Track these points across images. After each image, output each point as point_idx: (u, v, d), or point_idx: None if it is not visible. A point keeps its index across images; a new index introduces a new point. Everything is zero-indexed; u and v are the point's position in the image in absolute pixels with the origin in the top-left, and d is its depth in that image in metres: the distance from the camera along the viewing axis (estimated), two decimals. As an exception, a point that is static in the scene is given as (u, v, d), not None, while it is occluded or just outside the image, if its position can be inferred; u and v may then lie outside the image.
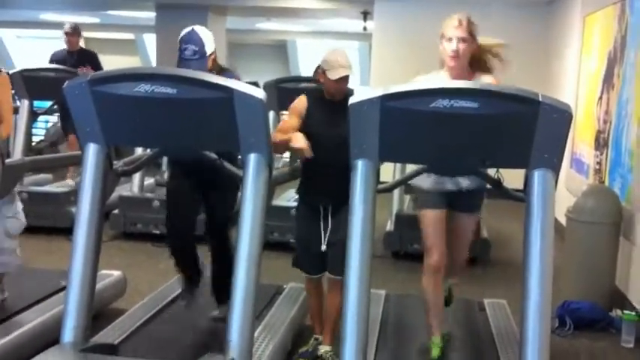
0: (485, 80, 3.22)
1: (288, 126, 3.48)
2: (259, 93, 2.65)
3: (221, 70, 3.54)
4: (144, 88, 2.63)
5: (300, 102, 3.54)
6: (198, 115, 2.70)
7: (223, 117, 2.65)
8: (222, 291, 3.69)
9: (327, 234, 3.49)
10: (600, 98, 5.99)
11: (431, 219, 3.38)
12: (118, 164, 3.00)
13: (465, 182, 3.32)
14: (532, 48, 9.14)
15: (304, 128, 3.44)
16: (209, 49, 3.47)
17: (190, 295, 3.89)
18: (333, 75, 3.42)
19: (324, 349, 3.62)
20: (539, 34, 9.10)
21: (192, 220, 3.72)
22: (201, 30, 3.48)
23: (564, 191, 6.41)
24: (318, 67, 3.61)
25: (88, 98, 2.71)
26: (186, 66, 3.37)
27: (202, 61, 3.43)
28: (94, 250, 2.80)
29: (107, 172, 2.84)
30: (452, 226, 3.42)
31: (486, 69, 3.32)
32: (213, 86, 2.65)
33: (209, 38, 3.48)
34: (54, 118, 8.92)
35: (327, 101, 3.51)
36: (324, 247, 3.49)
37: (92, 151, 2.80)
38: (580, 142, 6.63)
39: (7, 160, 3.13)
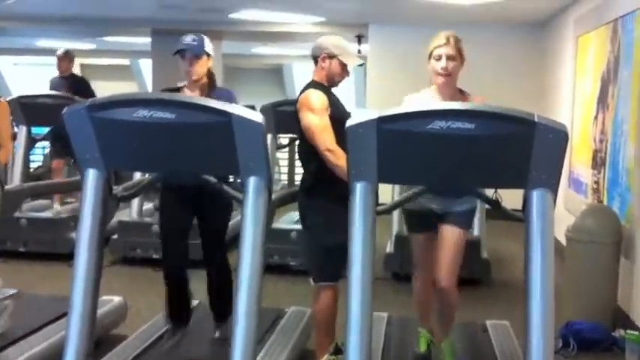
0: (475, 99, 3.31)
1: (331, 129, 3.36)
2: (258, 117, 2.66)
3: (214, 88, 3.61)
4: (142, 113, 2.64)
5: (322, 97, 3.43)
6: (197, 139, 2.71)
7: (222, 141, 2.66)
8: (222, 310, 3.76)
9: None
10: (596, 118, 6.02)
11: (418, 243, 3.52)
12: (117, 189, 3.00)
13: (451, 206, 3.35)
14: (527, 69, 9.21)
15: (331, 120, 3.39)
16: (208, 49, 3.59)
17: (177, 336, 3.73)
18: (352, 61, 3.48)
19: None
20: (533, 55, 9.17)
21: (186, 245, 3.70)
22: (202, 35, 3.64)
23: (563, 211, 6.42)
24: (317, 46, 3.51)
25: (87, 124, 2.71)
26: (186, 49, 3.51)
27: (201, 48, 3.54)
28: (94, 276, 2.79)
29: (107, 198, 2.85)
30: (438, 240, 3.38)
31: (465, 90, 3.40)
32: (212, 110, 2.65)
33: (209, 43, 3.61)
34: (51, 145, 8.94)
35: (328, 88, 3.53)
36: None
37: (92, 176, 2.80)
38: (577, 161, 6.66)
39: (7, 187, 3.13)
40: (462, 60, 3.32)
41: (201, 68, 3.55)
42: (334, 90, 3.62)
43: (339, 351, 3.48)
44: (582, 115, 6.59)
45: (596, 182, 5.85)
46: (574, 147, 6.74)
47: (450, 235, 3.34)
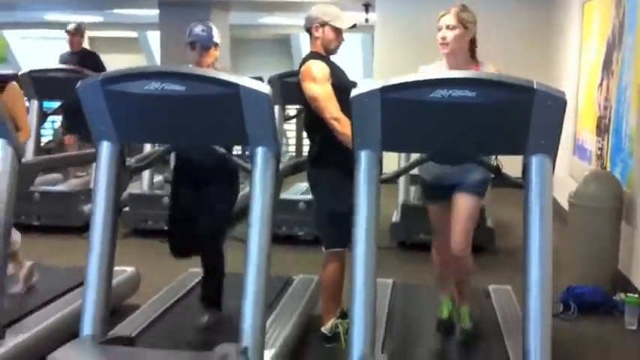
0: (488, 68, 3.34)
1: (334, 97, 3.41)
2: (265, 88, 2.74)
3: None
4: (154, 85, 2.73)
5: (323, 67, 3.49)
6: (206, 110, 2.80)
7: (231, 112, 2.75)
8: (211, 295, 3.79)
9: None
10: (600, 84, 6.05)
11: (434, 212, 3.60)
12: (130, 161, 3.09)
13: (464, 177, 3.41)
14: (533, 37, 9.20)
15: (333, 89, 3.45)
16: (216, 38, 3.66)
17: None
18: (343, 23, 3.52)
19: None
20: (540, 23, 9.16)
21: (195, 217, 3.69)
22: (210, 23, 3.72)
23: (567, 178, 6.48)
24: (308, 19, 3.58)
25: (100, 97, 2.81)
26: (197, 39, 3.58)
27: (210, 39, 3.61)
28: (110, 246, 2.89)
29: (121, 169, 2.94)
30: (452, 208, 3.44)
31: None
32: (220, 82, 2.74)
33: (217, 32, 3.68)
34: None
35: (328, 58, 3.59)
36: None
37: (106, 148, 2.89)
38: (582, 128, 6.70)
39: (23, 160, 3.24)
40: (465, 28, 3.31)
41: (209, 58, 3.63)
42: (337, 60, 3.69)
43: (345, 315, 3.60)
44: (588, 81, 6.62)
45: (600, 149, 5.91)
46: (579, 114, 6.79)
47: (463, 203, 3.40)
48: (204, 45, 3.60)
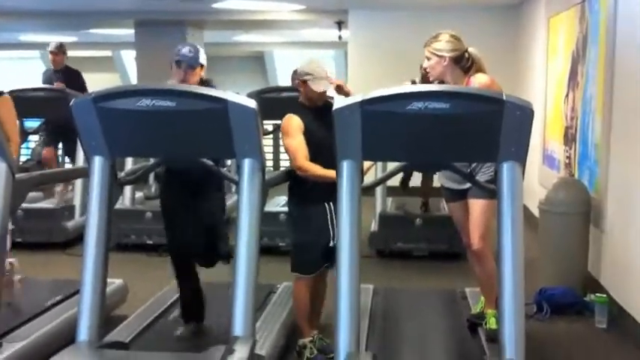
0: (480, 79, 3.63)
1: (304, 147, 3.62)
2: (251, 103, 2.90)
3: (203, 82, 3.84)
4: (145, 102, 2.87)
5: (295, 121, 3.68)
6: (195, 125, 2.94)
7: (219, 126, 2.90)
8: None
9: (334, 229, 3.56)
10: (567, 96, 6.30)
11: (451, 210, 4.11)
12: (120, 175, 3.22)
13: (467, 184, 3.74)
14: (501, 50, 9.45)
15: (306, 138, 3.63)
16: (202, 60, 3.83)
17: (189, 331, 3.86)
18: (318, 87, 3.68)
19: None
20: (507, 36, 9.43)
21: (190, 230, 3.88)
22: (197, 45, 3.92)
23: (538, 186, 6.70)
24: (295, 72, 3.77)
25: (92, 114, 2.94)
26: (183, 60, 3.75)
27: (197, 59, 3.78)
28: (103, 257, 3.01)
29: (112, 183, 3.07)
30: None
31: (481, 70, 3.73)
32: (209, 98, 2.89)
33: (203, 53, 3.85)
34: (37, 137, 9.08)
35: (310, 108, 3.74)
36: (333, 243, 3.55)
37: (98, 163, 3.02)
38: (550, 139, 6.94)
39: (18, 175, 3.34)
40: (439, 57, 3.66)
41: (194, 77, 3.79)
42: None
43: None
44: (555, 93, 6.87)
45: (568, 157, 6.14)
46: (547, 125, 7.03)
47: (471, 205, 3.80)
48: (190, 65, 3.76)
